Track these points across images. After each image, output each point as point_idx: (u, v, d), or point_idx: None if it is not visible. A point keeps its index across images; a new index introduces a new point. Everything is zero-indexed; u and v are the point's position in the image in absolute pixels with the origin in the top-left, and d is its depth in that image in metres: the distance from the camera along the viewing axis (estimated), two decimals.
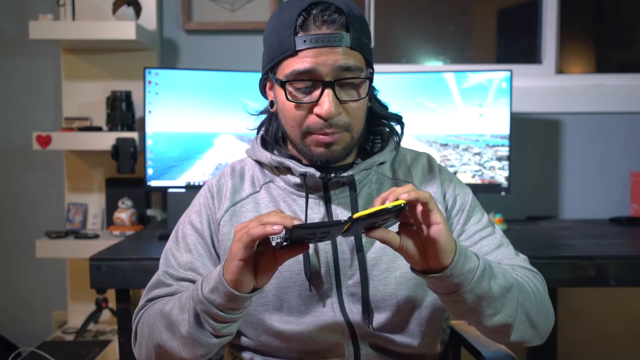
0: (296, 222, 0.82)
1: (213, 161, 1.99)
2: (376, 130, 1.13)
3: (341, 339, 1.05)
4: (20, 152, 2.37)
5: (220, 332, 0.92)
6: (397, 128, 1.14)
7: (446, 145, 2.03)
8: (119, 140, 2.08)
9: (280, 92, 1.00)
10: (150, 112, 1.94)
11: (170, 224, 1.91)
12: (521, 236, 1.91)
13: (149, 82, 1.94)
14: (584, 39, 2.60)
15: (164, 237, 1.74)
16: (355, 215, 0.80)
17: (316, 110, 0.97)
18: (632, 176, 2.23)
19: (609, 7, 2.65)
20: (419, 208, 0.84)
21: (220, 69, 2.01)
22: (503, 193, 2.02)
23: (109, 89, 2.22)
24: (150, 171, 1.96)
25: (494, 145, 2.01)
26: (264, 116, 1.15)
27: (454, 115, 2.02)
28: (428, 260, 0.87)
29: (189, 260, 1.07)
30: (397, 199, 0.82)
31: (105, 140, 2.09)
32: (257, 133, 1.16)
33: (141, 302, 1.07)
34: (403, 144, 1.16)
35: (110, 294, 2.22)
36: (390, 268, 1.05)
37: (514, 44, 2.61)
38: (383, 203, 0.83)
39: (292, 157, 1.08)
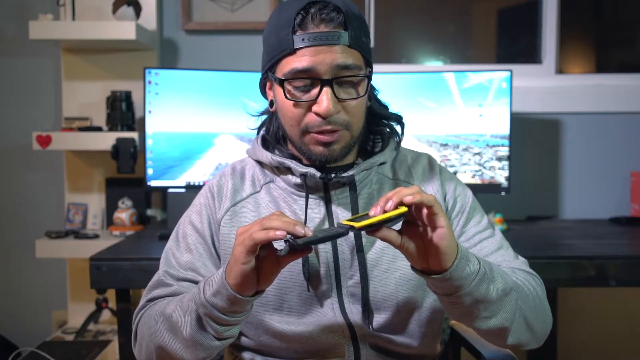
0: (298, 228, 0.82)
1: (213, 161, 1.99)
2: (376, 130, 1.12)
3: (341, 339, 1.05)
4: (20, 152, 2.37)
5: (222, 335, 0.92)
6: (398, 128, 1.14)
7: (446, 145, 2.03)
8: (119, 140, 2.08)
9: (279, 90, 1.00)
10: (150, 112, 1.94)
11: (170, 224, 1.91)
12: (521, 236, 1.91)
13: (149, 82, 1.94)
14: (584, 39, 2.60)
15: (164, 237, 1.74)
16: (358, 225, 0.81)
17: (315, 108, 0.97)
18: (632, 176, 2.23)
19: (609, 7, 2.65)
20: (424, 211, 0.84)
21: (220, 69, 2.01)
22: (503, 193, 2.02)
23: (109, 89, 2.22)
24: (150, 171, 1.96)
25: (494, 145, 2.01)
26: (264, 117, 1.15)
27: (454, 115, 2.02)
28: (428, 260, 0.87)
29: (190, 260, 1.07)
30: (400, 202, 0.82)
31: (105, 140, 2.09)
32: (258, 133, 1.16)
33: (142, 302, 1.07)
34: (403, 144, 1.16)
35: (110, 294, 2.22)
36: (390, 269, 1.05)
37: (514, 44, 2.61)
38: (387, 203, 0.83)
39: (292, 157, 1.08)
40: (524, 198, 2.29)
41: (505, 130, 2.00)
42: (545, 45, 2.38)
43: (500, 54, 2.61)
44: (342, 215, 1.06)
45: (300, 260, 1.04)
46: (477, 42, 2.68)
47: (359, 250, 1.04)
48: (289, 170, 1.07)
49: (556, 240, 1.86)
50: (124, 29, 2.05)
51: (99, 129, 2.18)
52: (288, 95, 0.99)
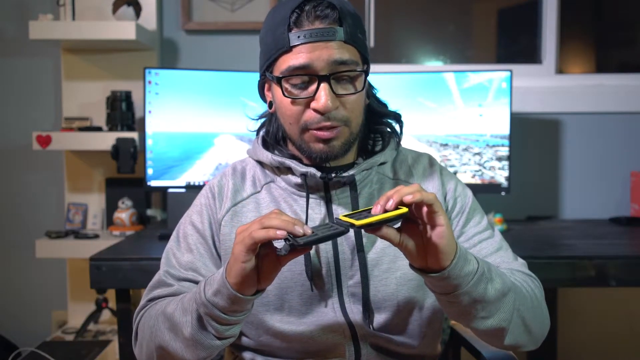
0: (298, 228, 0.82)
1: (213, 161, 1.99)
2: (377, 130, 1.13)
3: (342, 339, 1.05)
4: (20, 152, 2.37)
5: (223, 335, 0.92)
6: (397, 127, 1.14)
7: (446, 145, 2.03)
8: (119, 140, 2.08)
9: (277, 89, 1.01)
10: (150, 112, 1.94)
11: (170, 224, 1.91)
12: (521, 236, 1.91)
13: (149, 82, 1.94)
14: (584, 39, 2.60)
15: (164, 237, 1.74)
16: (358, 223, 0.81)
17: (313, 105, 0.98)
18: (632, 176, 2.23)
19: (609, 7, 2.65)
20: (424, 209, 0.84)
21: (220, 69, 2.01)
22: (503, 193, 2.02)
23: (109, 89, 2.22)
24: (150, 171, 1.96)
25: (494, 145, 2.01)
26: (264, 119, 1.15)
27: (454, 115, 2.02)
28: (427, 259, 0.87)
29: (190, 260, 1.07)
30: (401, 201, 0.83)
31: (105, 140, 2.09)
32: (257, 134, 1.16)
33: (142, 302, 1.07)
34: (403, 144, 1.16)
35: (110, 294, 2.22)
36: (390, 268, 1.05)
37: (514, 44, 2.61)
38: (387, 201, 0.83)
39: (293, 157, 1.08)
40: (524, 198, 2.29)
41: (505, 130, 2.00)
42: (545, 45, 2.38)
43: (500, 54, 2.61)
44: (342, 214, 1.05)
45: (301, 260, 1.04)
46: (477, 42, 2.68)
47: (360, 250, 1.04)
48: (289, 170, 1.07)
49: (556, 240, 1.86)
50: (124, 29, 2.05)
51: (99, 129, 2.18)
52: (286, 93, 0.99)
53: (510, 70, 2.00)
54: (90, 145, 2.11)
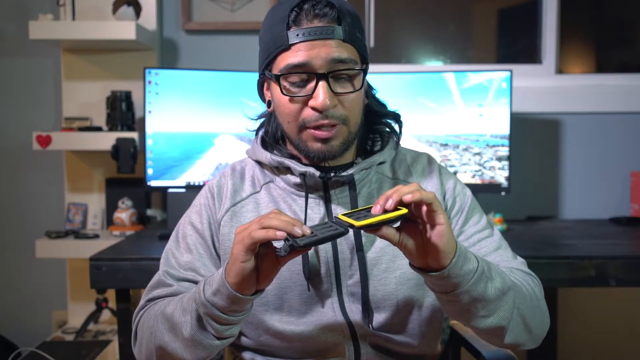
0: (297, 229, 0.82)
1: (213, 161, 1.99)
2: (376, 130, 1.13)
3: (341, 338, 1.05)
4: (20, 152, 2.37)
5: (222, 335, 0.92)
6: (396, 127, 1.14)
7: (446, 145, 2.03)
8: (119, 140, 2.08)
9: (275, 87, 1.01)
10: (150, 112, 1.94)
11: (170, 224, 1.91)
12: (521, 236, 1.91)
13: (149, 82, 1.94)
14: (584, 39, 2.60)
15: (164, 237, 1.74)
16: (358, 224, 0.81)
17: (311, 103, 0.98)
18: (632, 176, 2.23)
19: (609, 7, 2.65)
20: (424, 208, 0.84)
21: (220, 69, 2.01)
22: (503, 193, 2.02)
23: (109, 89, 2.22)
24: (150, 171, 1.96)
25: (494, 145, 2.01)
26: (263, 119, 1.15)
27: (454, 115, 2.02)
28: (427, 258, 0.87)
29: (190, 260, 1.07)
30: (400, 201, 0.83)
31: (105, 140, 2.09)
32: (257, 134, 1.16)
33: (141, 302, 1.07)
34: (402, 144, 1.16)
35: (110, 294, 2.22)
36: (390, 268, 1.05)
37: (514, 44, 2.61)
38: (387, 201, 0.83)
39: (292, 157, 1.08)
40: (524, 198, 2.29)
41: (505, 130, 2.00)
42: (545, 45, 2.38)
43: (500, 54, 2.61)
44: None
45: (300, 259, 1.04)
46: (477, 42, 2.68)
47: (359, 249, 1.04)
48: (288, 170, 1.07)
49: (556, 240, 1.86)
50: (124, 29, 2.05)
51: (99, 129, 2.18)
52: (284, 91, 0.99)
53: (510, 70, 2.00)
54: (90, 145, 2.11)
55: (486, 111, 2.01)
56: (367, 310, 1.04)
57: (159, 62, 2.31)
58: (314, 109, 0.98)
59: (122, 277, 1.57)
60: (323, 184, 1.06)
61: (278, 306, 1.05)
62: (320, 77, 0.97)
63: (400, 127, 1.14)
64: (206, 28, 2.31)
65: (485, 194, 2.02)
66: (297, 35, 0.96)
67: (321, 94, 0.96)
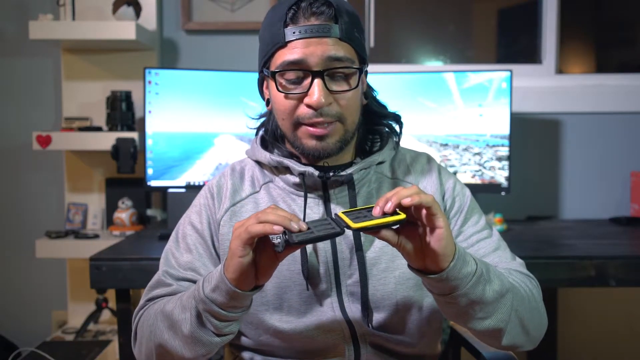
0: (293, 224, 0.82)
1: (213, 161, 1.99)
2: (375, 130, 1.13)
3: (341, 338, 1.05)
4: (20, 152, 2.37)
5: (222, 331, 0.92)
6: (397, 128, 1.14)
7: (446, 145, 2.03)
8: (119, 140, 2.08)
9: (272, 85, 1.02)
10: (150, 112, 1.94)
11: (170, 224, 1.91)
12: (521, 236, 1.91)
13: (149, 82, 1.94)
14: (584, 39, 2.60)
15: (164, 237, 1.74)
16: (354, 226, 0.82)
17: (306, 100, 0.99)
18: (632, 176, 2.23)
19: (609, 7, 2.65)
20: (423, 211, 0.84)
21: (220, 69, 2.01)
22: (503, 193, 2.02)
23: (109, 89, 2.22)
24: (150, 171, 1.96)
25: (494, 145, 2.01)
26: (264, 119, 1.15)
27: (454, 115, 2.02)
28: (425, 260, 0.87)
29: (189, 260, 1.07)
30: (399, 204, 0.83)
31: (105, 140, 2.09)
32: (257, 134, 1.16)
33: (141, 302, 1.07)
34: (402, 144, 1.16)
35: (110, 294, 2.22)
36: (389, 268, 1.05)
37: (514, 44, 2.61)
38: (386, 204, 0.83)
39: (291, 156, 1.08)
40: (524, 198, 2.29)
41: (505, 130, 2.00)
42: (545, 45, 2.38)
43: (500, 54, 2.61)
44: None
45: (299, 259, 1.04)
46: (477, 42, 2.68)
47: (358, 249, 1.04)
48: (287, 170, 1.08)
49: (556, 240, 1.86)
50: (124, 29, 2.05)
51: (99, 129, 2.18)
52: (280, 88, 1.00)
53: (510, 70, 2.00)
54: (90, 145, 2.11)
55: (486, 111, 2.01)
56: (367, 309, 1.04)
57: (159, 62, 2.31)
58: (309, 106, 0.98)
59: (122, 277, 1.57)
60: (322, 183, 1.06)
61: (278, 306, 1.05)
62: (315, 74, 0.97)
63: (401, 128, 1.14)
64: (206, 28, 2.31)
65: (485, 194, 2.02)
66: (294, 32, 0.97)
67: (316, 91, 0.97)
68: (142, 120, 1.97)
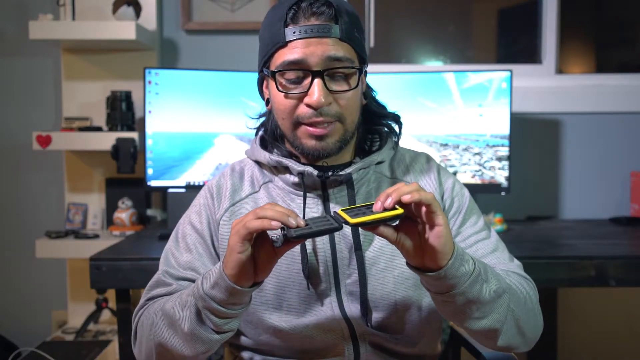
0: (291, 220, 0.83)
1: (213, 161, 1.99)
2: (374, 130, 1.13)
3: (341, 337, 1.05)
4: (20, 152, 2.37)
5: (221, 329, 0.92)
6: (396, 128, 1.14)
7: (446, 145, 2.03)
8: (119, 140, 2.08)
9: (272, 84, 1.02)
10: (150, 112, 1.94)
11: (170, 224, 1.91)
12: (521, 236, 1.91)
13: (149, 82, 1.94)
14: (584, 39, 2.60)
15: (164, 237, 1.74)
16: (352, 221, 0.82)
17: (306, 100, 0.99)
18: (632, 176, 2.23)
19: (609, 7, 2.65)
20: (423, 209, 0.84)
21: (220, 69, 2.01)
22: (503, 193, 2.02)
23: (109, 89, 2.22)
24: (150, 171, 1.96)
25: (494, 145, 2.01)
26: (264, 119, 1.15)
27: (454, 115, 2.02)
28: (424, 257, 0.87)
29: (189, 260, 1.07)
30: (399, 201, 0.83)
31: (105, 140, 2.09)
32: (256, 134, 1.16)
33: (141, 301, 1.07)
34: (402, 144, 1.16)
35: (110, 294, 2.22)
36: (388, 267, 1.05)
37: (514, 44, 2.61)
38: (386, 199, 0.83)
39: (291, 156, 1.08)
40: (524, 198, 2.29)
41: (505, 130, 2.00)
42: (545, 45, 2.38)
43: (500, 54, 2.61)
44: None
45: (298, 258, 1.04)
46: (477, 42, 2.68)
47: (357, 248, 1.04)
48: (287, 170, 1.08)
49: (556, 240, 1.86)
50: (124, 29, 2.05)
51: (99, 129, 2.18)
52: (280, 88, 1.00)
53: (510, 70, 2.00)
54: (90, 145, 2.11)
55: (486, 111, 2.01)
56: (366, 309, 1.04)
57: (159, 62, 2.31)
58: (308, 106, 0.99)
59: (122, 277, 1.57)
60: (321, 183, 1.06)
61: (277, 305, 1.05)
62: (315, 74, 0.97)
63: (400, 128, 1.14)
64: (206, 28, 2.31)
65: (485, 194, 2.02)
66: (294, 32, 0.97)
67: (316, 91, 0.97)
68: (142, 120, 1.98)
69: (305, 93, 0.99)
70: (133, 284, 1.58)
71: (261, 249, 0.87)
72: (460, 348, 1.31)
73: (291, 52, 0.98)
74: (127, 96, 2.16)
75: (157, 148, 1.95)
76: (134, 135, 2.10)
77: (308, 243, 1.04)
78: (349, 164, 1.08)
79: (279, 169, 1.09)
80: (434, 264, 0.86)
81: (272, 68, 1.01)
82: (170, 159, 1.96)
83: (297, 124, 1.01)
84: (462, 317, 0.93)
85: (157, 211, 2.29)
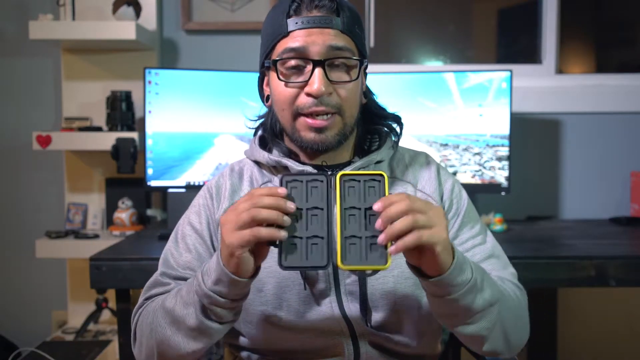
0: (286, 218, 0.83)
1: (213, 161, 1.99)
2: (374, 130, 1.13)
3: (341, 337, 1.05)
4: (20, 152, 2.37)
5: (224, 319, 0.93)
6: (397, 128, 1.14)
7: (446, 145, 2.03)
8: (119, 140, 2.08)
9: (273, 75, 1.03)
10: (150, 112, 1.94)
11: (170, 224, 1.91)
12: (521, 236, 1.91)
13: (149, 82, 1.94)
14: (584, 39, 2.60)
15: (164, 237, 1.74)
16: (343, 267, 0.83)
17: (306, 89, 0.99)
18: (632, 176, 2.23)
19: (609, 7, 2.65)
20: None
21: (220, 69, 2.01)
22: (503, 193, 2.02)
23: (109, 89, 2.22)
24: (150, 171, 1.96)
25: (494, 145, 2.01)
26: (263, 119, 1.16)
27: (454, 115, 2.02)
28: (422, 262, 0.87)
29: (188, 260, 1.07)
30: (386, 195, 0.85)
31: (105, 140, 2.09)
32: (255, 134, 1.16)
33: (139, 301, 1.07)
34: (402, 143, 1.16)
35: (110, 294, 2.22)
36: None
37: (514, 44, 2.61)
38: (389, 239, 0.82)
39: (290, 154, 1.09)
40: (524, 198, 2.29)
41: (505, 130, 2.00)
42: (545, 45, 2.38)
43: (500, 54, 2.61)
44: None
45: None
46: (477, 42, 2.68)
47: None
48: (286, 170, 1.08)
49: (556, 240, 1.86)
50: (124, 29, 2.05)
51: (99, 129, 2.18)
52: (280, 77, 1.01)
53: (510, 70, 2.00)
54: (90, 145, 2.11)
55: (486, 111, 2.01)
56: (366, 309, 1.04)
57: (159, 62, 2.31)
58: (309, 95, 0.99)
59: (122, 277, 1.57)
60: None
61: (277, 305, 1.05)
62: (316, 63, 0.98)
63: (401, 129, 1.14)
64: (206, 28, 2.31)
65: (485, 194, 2.02)
66: (296, 23, 0.99)
67: (317, 80, 0.98)
68: (142, 120, 1.98)
69: (306, 82, 0.99)
70: (133, 284, 1.58)
71: (258, 244, 0.86)
72: (460, 348, 1.31)
73: (293, 41, 0.99)
74: (127, 96, 2.16)
75: (157, 148, 1.95)
76: (134, 135, 2.10)
77: None
78: (348, 163, 1.08)
79: (279, 169, 1.09)
80: (432, 272, 0.87)
81: (274, 57, 1.02)
82: (170, 159, 1.96)
83: (296, 115, 1.02)
84: (452, 321, 0.94)
85: (157, 211, 2.29)
